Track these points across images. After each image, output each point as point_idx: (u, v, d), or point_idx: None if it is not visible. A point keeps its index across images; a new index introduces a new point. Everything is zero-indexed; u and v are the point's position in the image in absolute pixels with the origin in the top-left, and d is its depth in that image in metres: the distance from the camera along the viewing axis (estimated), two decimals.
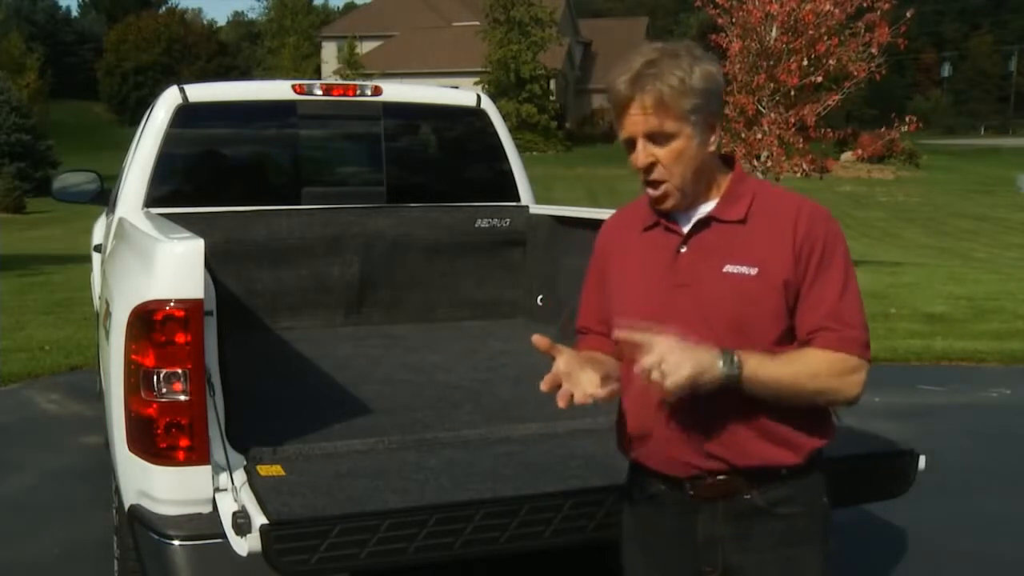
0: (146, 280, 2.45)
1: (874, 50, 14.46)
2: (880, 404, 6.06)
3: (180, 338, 2.38)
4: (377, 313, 4.76)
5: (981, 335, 9.09)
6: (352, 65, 48.11)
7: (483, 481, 2.49)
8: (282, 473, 2.52)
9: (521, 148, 5.72)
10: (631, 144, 1.87)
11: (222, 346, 2.55)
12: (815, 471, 1.94)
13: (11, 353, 7.78)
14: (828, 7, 14.13)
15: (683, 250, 1.91)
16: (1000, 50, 78.64)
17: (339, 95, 4.68)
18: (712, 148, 1.89)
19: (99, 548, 3.70)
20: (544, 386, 1.82)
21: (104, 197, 5.28)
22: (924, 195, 37.44)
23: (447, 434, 2.90)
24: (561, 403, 1.79)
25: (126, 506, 2.56)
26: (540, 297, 4.73)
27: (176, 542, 2.37)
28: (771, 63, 14.52)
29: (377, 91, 4.72)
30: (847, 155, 25.29)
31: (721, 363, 1.73)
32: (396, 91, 4.87)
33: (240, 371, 2.77)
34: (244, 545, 2.21)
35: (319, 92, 4.63)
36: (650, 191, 1.89)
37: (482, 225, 4.84)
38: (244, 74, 60.18)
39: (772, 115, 14.63)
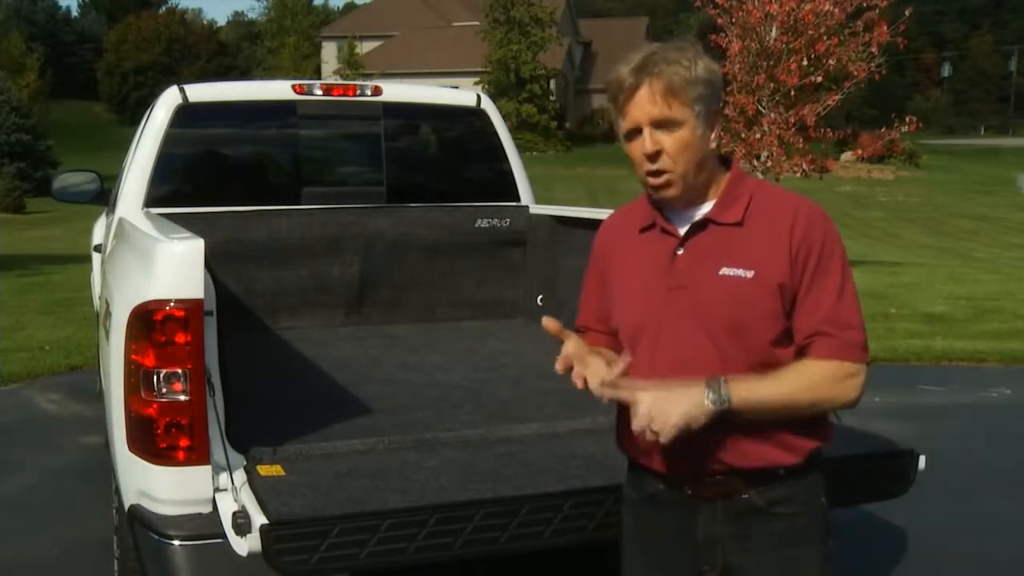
0: (146, 280, 2.46)
1: (874, 49, 14.45)
2: (880, 404, 6.06)
3: (180, 338, 2.38)
4: (377, 313, 4.76)
5: (981, 335, 9.09)
6: (352, 65, 48.10)
7: (483, 481, 2.49)
8: (282, 473, 2.52)
9: (521, 148, 5.72)
10: (635, 134, 1.87)
11: (222, 346, 2.55)
12: (813, 471, 1.94)
13: (11, 353, 7.78)
14: (828, 7, 14.12)
15: (680, 252, 1.91)
16: (1000, 50, 78.64)
17: (339, 95, 4.68)
18: (713, 144, 1.90)
19: (99, 548, 3.70)
20: (559, 366, 1.84)
21: (104, 197, 5.28)
22: (924, 195, 37.44)
23: (447, 434, 2.90)
24: (579, 383, 1.81)
25: (126, 506, 2.56)
26: (540, 297, 4.73)
27: (176, 542, 2.37)
28: (771, 63, 14.51)
29: (377, 91, 4.72)
30: (847, 155, 25.28)
31: (709, 398, 1.75)
32: (396, 91, 4.87)
33: (240, 371, 2.77)
34: (244, 545, 2.21)
35: (319, 92, 4.63)
36: (652, 180, 1.88)
37: (482, 225, 4.84)
38: (244, 74, 60.17)
39: (772, 115, 14.62)
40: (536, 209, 4.91)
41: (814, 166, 15.23)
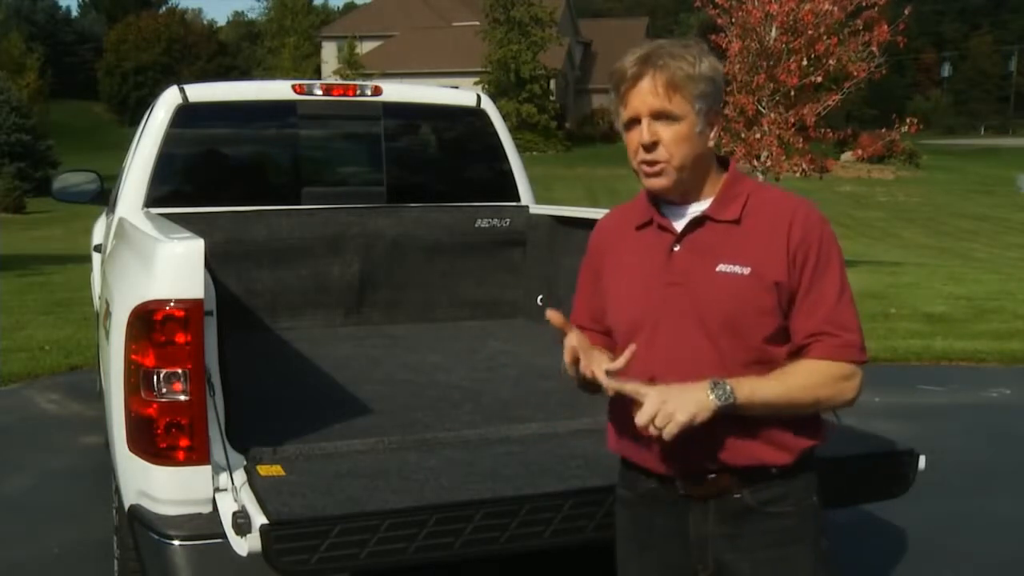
0: (146, 280, 2.46)
1: (874, 48, 14.46)
2: (880, 404, 6.06)
3: (180, 338, 2.38)
4: (377, 313, 4.76)
5: (981, 335, 9.09)
6: (352, 65, 48.11)
7: (483, 481, 2.49)
8: (282, 473, 2.52)
9: (521, 148, 5.72)
10: (634, 123, 1.87)
11: (222, 346, 2.55)
12: (806, 471, 1.96)
13: (11, 353, 7.78)
14: (827, 6, 14.14)
15: (676, 249, 1.92)
16: (1000, 50, 78.64)
17: (339, 95, 4.68)
18: (711, 143, 1.91)
19: (99, 548, 3.70)
20: (567, 357, 1.86)
21: (104, 197, 5.28)
22: (924, 195, 37.45)
23: (447, 434, 2.90)
24: (587, 373, 1.83)
25: (126, 506, 2.56)
26: (540, 297, 4.73)
27: (176, 542, 2.37)
28: (771, 63, 14.52)
29: (377, 91, 4.72)
30: (847, 155, 25.27)
31: (713, 397, 1.77)
32: (396, 91, 4.87)
33: (240, 371, 2.77)
34: (244, 545, 2.21)
35: (319, 92, 4.63)
36: (646, 168, 1.89)
37: (482, 225, 4.84)
38: (244, 74, 60.15)
39: (772, 115, 14.63)
40: (536, 209, 4.91)
41: (814, 166, 15.23)
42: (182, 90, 4.42)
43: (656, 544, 1.99)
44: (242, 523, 2.23)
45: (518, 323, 4.81)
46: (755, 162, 14.68)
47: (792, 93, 14.49)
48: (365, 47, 52.71)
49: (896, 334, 8.97)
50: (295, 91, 4.60)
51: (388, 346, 4.31)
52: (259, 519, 2.19)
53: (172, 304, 2.37)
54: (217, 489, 2.44)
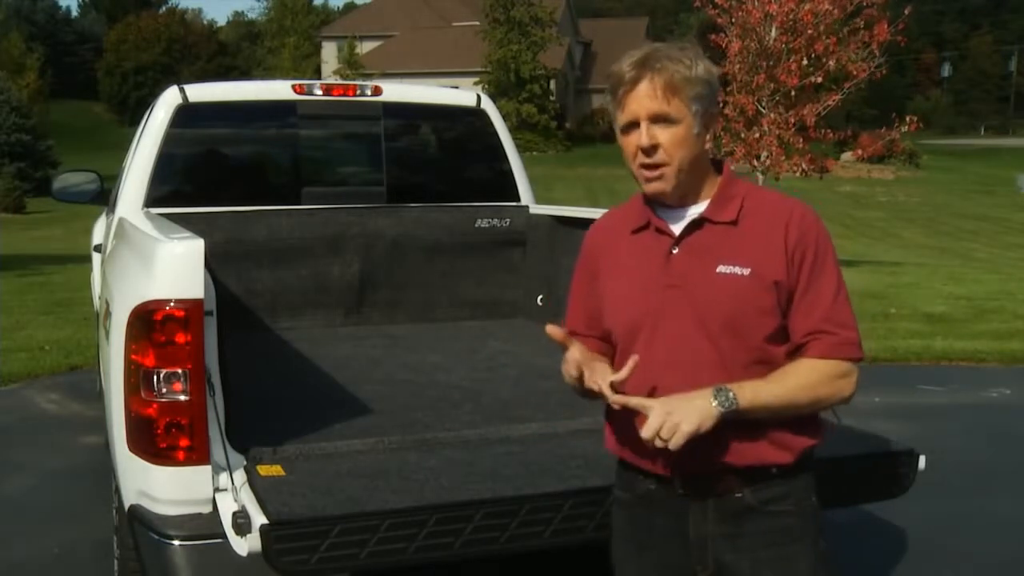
0: (146, 280, 2.46)
1: (874, 48, 14.46)
2: (880, 404, 6.07)
3: (180, 338, 2.38)
4: (377, 313, 4.76)
5: (981, 335, 9.09)
6: (352, 65, 48.10)
7: (483, 481, 2.50)
8: (282, 473, 2.52)
9: (521, 148, 5.72)
10: (632, 127, 1.88)
11: (222, 346, 2.55)
12: (806, 471, 1.97)
13: (11, 353, 7.78)
14: (827, 6, 14.14)
15: (675, 251, 1.92)
16: (1000, 50, 78.63)
17: (339, 95, 4.68)
18: (708, 146, 1.92)
19: (99, 548, 3.70)
20: (573, 371, 1.88)
21: (104, 197, 5.28)
22: (924, 195, 37.45)
23: (447, 434, 2.90)
24: (594, 387, 1.84)
25: (126, 506, 2.56)
26: (540, 297, 4.73)
27: (176, 542, 2.38)
28: (771, 63, 14.52)
29: (377, 91, 4.72)
30: (847, 155, 25.27)
31: (717, 404, 1.78)
32: (396, 91, 4.87)
33: (240, 371, 2.78)
34: (244, 545, 2.21)
35: (319, 92, 4.63)
36: (645, 172, 1.89)
37: (482, 225, 4.84)
38: (244, 74, 60.10)
39: (772, 115, 14.63)
40: (536, 209, 4.91)
41: (814, 166, 15.24)
42: (182, 90, 4.42)
43: (655, 544, 1.99)
44: (242, 523, 2.23)
45: (518, 323, 4.81)
46: (755, 162, 14.68)
47: (792, 93, 14.49)
48: (365, 47, 52.70)
49: (896, 334, 8.97)
50: (295, 91, 4.60)
51: (388, 346, 4.31)
52: (259, 519, 2.19)
53: (172, 304, 2.37)
54: (217, 489, 2.44)
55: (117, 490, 2.81)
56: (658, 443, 1.76)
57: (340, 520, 2.22)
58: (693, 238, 1.92)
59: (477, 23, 48.82)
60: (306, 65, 55.46)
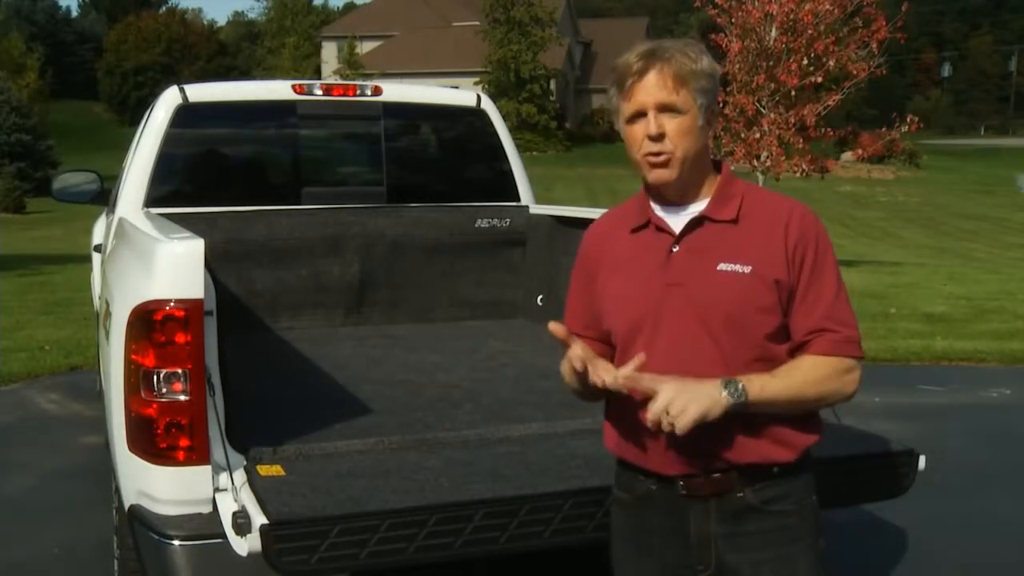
0: (146, 280, 2.46)
1: (873, 47, 14.46)
2: (880, 404, 6.07)
3: (180, 338, 2.38)
4: (377, 313, 4.76)
5: (981, 335, 9.09)
6: (352, 65, 48.11)
7: (483, 481, 2.50)
8: (282, 473, 2.52)
9: (521, 148, 5.72)
10: (638, 117, 1.88)
11: (222, 346, 2.55)
12: (806, 470, 1.97)
13: (11, 353, 7.78)
14: (827, 6, 14.14)
15: (676, 250, 1.92)
16: (1000, 50, 78.64)
17: (339, 95, 4.68)
18: (710, 141, 1.94)
19: (99, 548, 3.71)
20: (578, 366, 1.86)
21: (104, 197, 5.28)
22: (924, 195, 37.45)
23: (447, 434, 2.90)
24: (598, 382, 1.83)
25: (126, 506, 2.56)
26: (540, 297, 4.73)
27: (176, 542, 2.37)
28: (771, 63, 14.52)
29: (377, 91, 4.72)
30: (847, 155, 25.29)
31: (727, 394, 1.78)
32: (396, 91, 4.87)
33: (240, 371, 2.78)
34: (244, 545, 2.21)
35: (319, 92, 4.63)
36: (652, 159, 1.89)
37: (482, 225, 4.84)
38: (244, 74, 60.12)
39: (772, 115, 14.63)
40: (536, 209, 4.91)
41: (814, 166, 15.24)
42: (182, 90, 4.42)
43: (655, 545, 1.99)
44: (242, 523, 2.23)
45: (518, 323, 4.81)
46: (755, 162, 14.67)
47: (792, 93, 14.49)
48: (365, 47, 52.70)
49: (896, 334, 8.97)
50: (295, 91, 4.60)
51: (388, 346, 4.31)
52: (259, 519, 2.19)
53: (172, 304, 2.37)
54: (217, 489, 2.44)
55: (117, 490, 2.81)
56: (664, 425, 1.74)
57: (340, 520, 2.22)
58: (693, 236, 1.92)
59: (477, 23, 48.82)
60: (306, 65, 55.46)
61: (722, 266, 1.88)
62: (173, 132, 4.35)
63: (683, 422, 1.73)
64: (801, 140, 14.76)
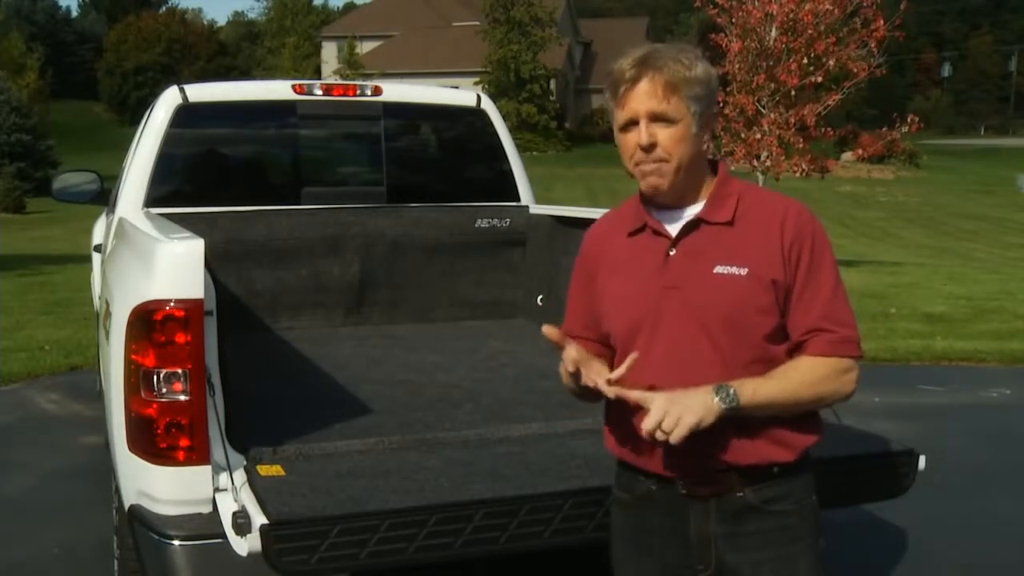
0: (146, 280, 2.46)
1: (873, 46, 14.46)
2: (880, 404, 6.08)
3: (180, 338, 2.38)
4: (377, 313, 4.76)
5: (981, 335, 9.09)
6: (352, 65, 48.10)
7: (483, 481, 2.50)
8: (282, 473, 2.52)
9: (521, 148, 5.72)
10: (631, 125, 1.88)
11: (222, 346, 2.55)
12: (806, 470, 1.97)
13: (11, 353, 7.78)
14: (827, 6, 14.14)
15: (672, 253, 1.93)
16: (1000, 50, 78.64)
17: (339, 95, 4.68)
18: (704, 147, 1.93)
19: (99, 548, 3.71)
20: (570, 367, 1.87)
21: (104, 197, 5.28)
22: (924, 195, 37.45)
23: (447, 434, 2.91)
24: (590, 384, 1.85)
25: (126, 506, 2.56)
26: (540, 297, 4.73)
27: (176, 542, 2.38)
28: (771, 63, 14.52)
29: (377, 91, 4.72)
30: (847, 155, 25.29)
31: (718, 400, 1.78)
32: (396, 91, 4.87)
33: (240, 371, 2.78)
34: (244, 545, 2.21)
35: (319, 92, 4.63)
36: (643, 168, 1.89)
37: (482, 225, 4.84)
38: (244, 74, 60.10)
39: (772, 115, 14.63)
40: (536, 209, 4.91)
41: (814, 166, 15.24)
42: (182, 90, 4.42)
43: (654, 545, 1.99)
44: (242, 523, 2.23)
45: (518, 323, 4.81)
46: (755, 162, 14.67)
47: (792, 93, 14.49)
48: (365, 47, 52.70)
49: (896, 334, 8.97)
50: (295, 91, 4.60)
51: (388, 346, 4.31)
52: (259, 519, 2.19)
53: (172, 304, 2.37)
54: (217, 489, 2.44)
55: (117, 490, 2.81)
56: (659, 436, 1.75)
57: (340, 520, 2.22)
58: (690, 239, 1.92)
59: (477, 23, 48.83)
60: (306, 65, 55.46)
61: (719, 269, 1.88)
62: (173, 132, 4.35)
63: (678, 434, 1.74)
64: (801, 140, 14.76)
